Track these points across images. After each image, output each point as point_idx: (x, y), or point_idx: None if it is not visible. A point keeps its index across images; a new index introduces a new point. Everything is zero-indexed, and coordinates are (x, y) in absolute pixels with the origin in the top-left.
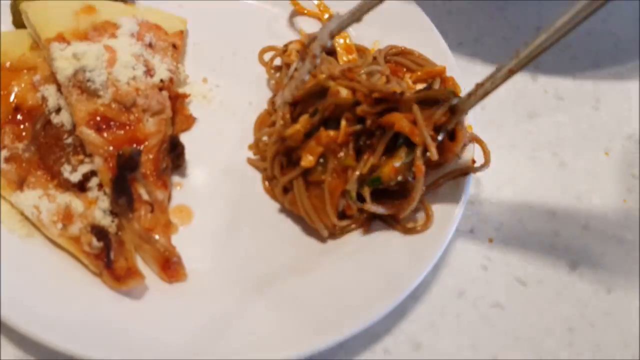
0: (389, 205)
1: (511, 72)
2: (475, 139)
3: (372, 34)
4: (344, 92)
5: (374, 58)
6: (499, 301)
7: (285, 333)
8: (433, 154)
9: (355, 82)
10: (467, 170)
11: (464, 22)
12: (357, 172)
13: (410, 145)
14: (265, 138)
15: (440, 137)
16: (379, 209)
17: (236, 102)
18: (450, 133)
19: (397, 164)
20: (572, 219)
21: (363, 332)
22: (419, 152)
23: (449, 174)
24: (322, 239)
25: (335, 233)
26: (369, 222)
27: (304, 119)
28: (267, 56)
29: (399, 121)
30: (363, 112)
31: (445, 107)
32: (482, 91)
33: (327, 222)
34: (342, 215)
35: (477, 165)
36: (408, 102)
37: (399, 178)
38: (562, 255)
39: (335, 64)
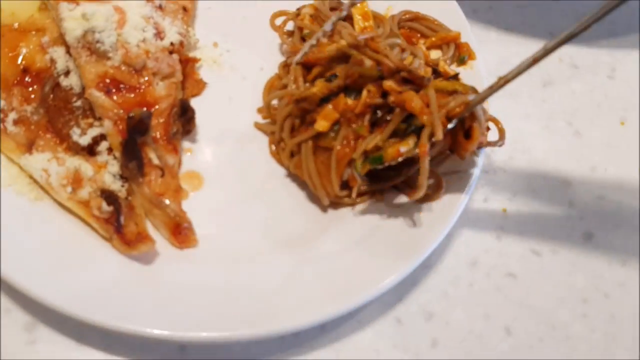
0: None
1: (535, 61)
2: (491, 119)
3: None
4: (368, 63)
5: (391, 29)
6: (512, 271)
7: (295, 301)
8: (438, 135)
9: (382, 55)
10: (480, 145)
11: None
12: (365, 144)
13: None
14: (275, 102)
15: (450, 125)
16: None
17: (247, 66)
18: (467, 131)
19: (404, 149)
20: (587, 189)
21: (375, 300)
22: (425, 133)
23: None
24: (330, 207)
25: (336, 202)
26: (381, 193)
27: (321, 82)
28: (278, 21)
29: (411, 100)
30: (389, 88)
31: (462, 99)
32: (502, 82)
33: (329, 190)
34: (344, 186)
35: (491, 140)
36: (430, 87)
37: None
38: (576, 226)
39: (352, 31)
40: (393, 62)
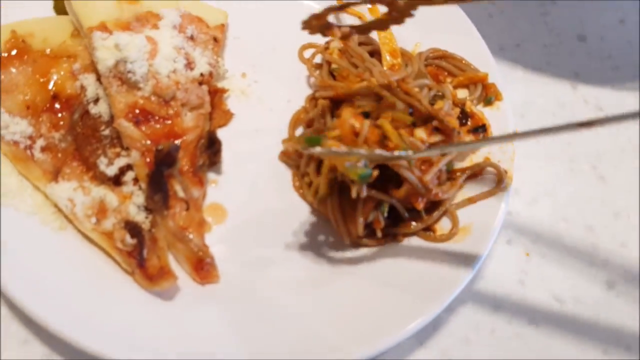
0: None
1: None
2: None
3: (413, 35)
4: (400, 106)
5: (419, 68)
6: (535, 318)
7: (315, 345)
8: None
9: (414, 98)
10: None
11: (505, 26)
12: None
13: None
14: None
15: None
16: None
17: (274, 98)
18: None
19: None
20: (610, 235)
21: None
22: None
23: (483, 193)
24: (351, 247)
25: (358, 243)
26: (403, 235)
27: (348, 110)
28: (307, 53)
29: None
30: (420, 139)
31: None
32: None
33: (352, 231)
34: (368, 226)
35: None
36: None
37: None
38: (598, 274)
39: (380, 67)
40: (426, 108)
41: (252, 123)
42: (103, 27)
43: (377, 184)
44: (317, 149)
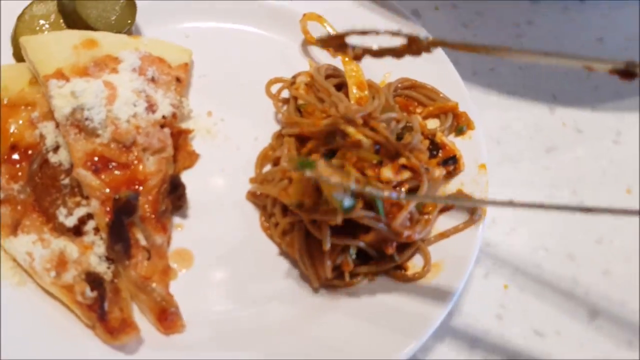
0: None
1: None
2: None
3: (383, 64)
4: (366, 143)
5: (387, 100)
6: (515, 354)
7: None
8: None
9: (381, 135)
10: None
11: None
12: None
13: None
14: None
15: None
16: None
17: (241, 136)
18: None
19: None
20: (592, 263)
21: None
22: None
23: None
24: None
25: (326, 285)
26: (374, 274)
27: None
28: (274, 88)
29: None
30: (387, 180)
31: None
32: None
33: (321, 273)
34: (337, 267)
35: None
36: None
37: None
38: (581, 304)
39: (347, 102)
40: (392, 145)
41: (218, 163)
42: (59, 74)
43: (345, 227)
44: (308, 173)
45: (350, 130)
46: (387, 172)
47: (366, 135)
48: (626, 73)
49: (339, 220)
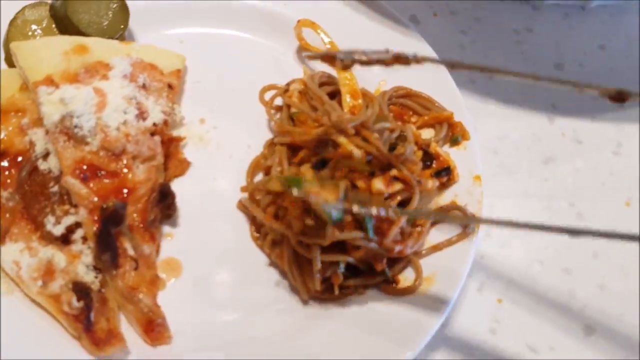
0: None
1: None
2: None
3: (377, 72)
4: (358, 154)
5: (380, 108)
6: None
7: None
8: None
9: (373, 146)
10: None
11: (477, 57)
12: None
13: None
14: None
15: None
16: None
17: (234, 144)
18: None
19: None
20: (588, 277)
21: None
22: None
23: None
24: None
25: (316, 298)
26: (364, 288)
27: (307, 169)
28: (268, 95)
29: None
30: (377, 192)
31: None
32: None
33: (310, 286)
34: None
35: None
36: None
37: None
38: (576, 319)
39: (340, 111)
40: (384, 156)
41: (210, 171)
42: (49, 81)
43: (335, 242)
44: (295, 192)
45: (342, 140)
46: (378, 184)
47: (358, 145)
48: (617, 98)
49: (326, 243)
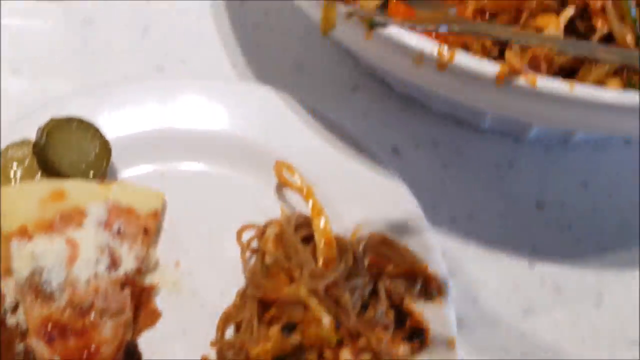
0: None
1: None
2: None
3: (353, 216)
4: (327, 321)
5: (354, 260)
6: None
7: None
8: None
9: (342, 309)
10: None
11: (458, 194)
12: None
13: None
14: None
15: None
16: None
17: (207, 291)
18: None
19: None
20: None
21: None
22: None
23: None
24: None
25: None
26: None
27: (275, 333)
28: (246, 235)
29: None
30: None
31: None
32: None
33: None
34: None
35: None
36: None
37: None
38: None
39: (312, 264)
40: (353, 324)
41: (180, 323)
42: (23, 232)
43: None
44: None
45: (312, 303)
46: (346, 354)
47: (328, 308)
48: None
49: None
